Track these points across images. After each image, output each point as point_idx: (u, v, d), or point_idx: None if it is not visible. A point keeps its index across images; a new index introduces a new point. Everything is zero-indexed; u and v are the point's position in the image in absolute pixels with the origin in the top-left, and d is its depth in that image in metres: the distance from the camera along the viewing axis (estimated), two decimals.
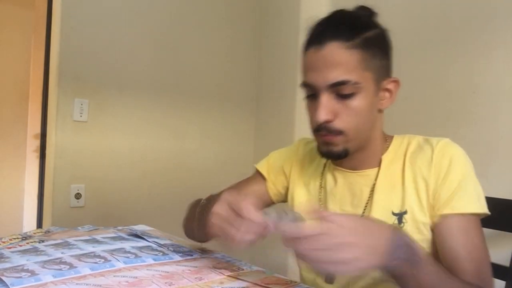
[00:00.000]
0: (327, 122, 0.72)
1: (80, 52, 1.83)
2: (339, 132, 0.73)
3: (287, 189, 0.94)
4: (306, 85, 0.75)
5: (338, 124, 0.72)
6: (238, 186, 0.98)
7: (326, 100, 0.72)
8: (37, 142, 1.95)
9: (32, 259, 0.73)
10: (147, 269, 0.70)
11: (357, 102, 0.72)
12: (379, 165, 0.80)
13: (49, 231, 1.00)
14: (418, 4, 1.53)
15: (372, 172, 0.80)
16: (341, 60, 0.70)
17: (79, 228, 1.03)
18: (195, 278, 0.67)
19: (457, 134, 1.38)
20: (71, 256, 0.75)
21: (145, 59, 2.02)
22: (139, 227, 1.07)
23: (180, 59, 2.13)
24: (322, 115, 0.71)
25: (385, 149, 0.81)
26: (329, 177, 0.86)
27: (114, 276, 0.66)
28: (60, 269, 0.66)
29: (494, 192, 0.86)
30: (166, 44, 2.08)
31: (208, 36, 2.22)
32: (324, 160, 0.89)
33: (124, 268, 0.70)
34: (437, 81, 1.45)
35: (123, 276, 0.65)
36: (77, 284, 0.61)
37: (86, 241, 0.88)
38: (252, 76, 2.39)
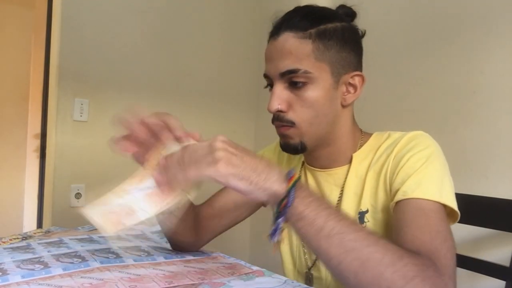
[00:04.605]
0: (281, 112, 0.72)
1: (80, 52, 1.83)
2: (291, 124, 0.72)
3: None
4: (265, 76, 0.75)
5: (290, 115, 0.71)
6: (215, 198, 0.89)
7: (279, 90, 0.72)
8: (37, 142, 1.95)
9: (17, 257, 0.72)
10: (119, 271, 0.67)
11: (310, 93, 0.70)
12: (349, 163, 0.77)
13: (49, 231, 1.00)
14: (418, 3, 1.53)
15: (341, 170, 0.78)
16: (292, 49, 0.69)
17: (79, 228, 1.03)
18: (166, 282, 0.64)
19: (457, 134, 1.38)
20: (52, 255, 0.73)
21: (145, 59, 2.02)
22: (139, 227, 1.07)
23: (180, 59, 2.13)
24: (274, 104, 0.71)
25: (357, 146, 0.78)
26: (302, 177, 0.85)
27: (81, 277, 0.63)
28: (33, 269, 0.65)
29: (494, 192, 0.86)
30: (166, 44, 2.08)
31: (208, 36, 2.22)
32: (302, 159, 0.87)
33: (98, 268, 0.68)
34: (436, 81, 1.45)
35: (90, 278, 0.63)
36: (39, 284, 0.60)
37: (80, 240, 0.87)
38: (252, 76, 2.38)
